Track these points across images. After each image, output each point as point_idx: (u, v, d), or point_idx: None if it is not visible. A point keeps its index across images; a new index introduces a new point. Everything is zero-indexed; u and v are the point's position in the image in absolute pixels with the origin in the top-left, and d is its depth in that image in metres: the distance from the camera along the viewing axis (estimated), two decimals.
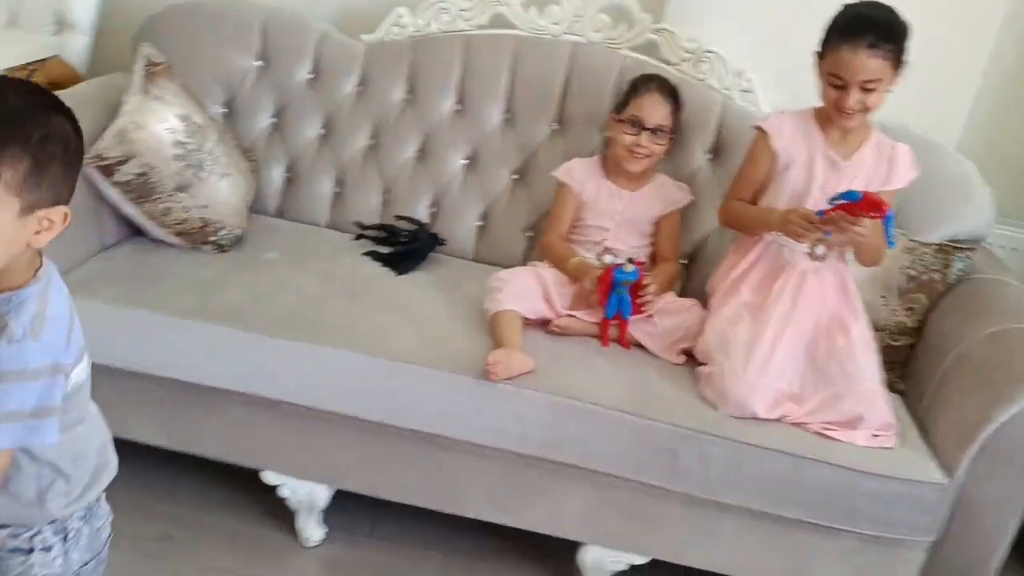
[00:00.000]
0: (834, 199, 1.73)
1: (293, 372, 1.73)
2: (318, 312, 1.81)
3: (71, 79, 2.19)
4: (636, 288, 1.87)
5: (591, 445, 1.70)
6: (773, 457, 1.67)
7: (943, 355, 1.84)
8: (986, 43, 2.23)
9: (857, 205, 1.69)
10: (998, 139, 2.45)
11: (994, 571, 1.75)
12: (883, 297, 1.97)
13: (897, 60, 1.73)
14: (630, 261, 1.89)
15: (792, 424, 1.73)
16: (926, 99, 2.19)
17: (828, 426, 1.73)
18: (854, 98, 1.74)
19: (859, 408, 1.73)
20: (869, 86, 1.73)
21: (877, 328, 1.93)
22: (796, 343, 1.80)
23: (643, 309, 1.89)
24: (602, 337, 1.89)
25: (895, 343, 1.96)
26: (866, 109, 1.76)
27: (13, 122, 0.93)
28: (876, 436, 1.73)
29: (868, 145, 1.86)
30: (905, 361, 1.96)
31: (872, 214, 1.68)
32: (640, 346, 1.91)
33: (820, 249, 1.83)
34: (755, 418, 1.72)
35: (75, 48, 2.31)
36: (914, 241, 2.00)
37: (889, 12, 1.74)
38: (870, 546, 1.73)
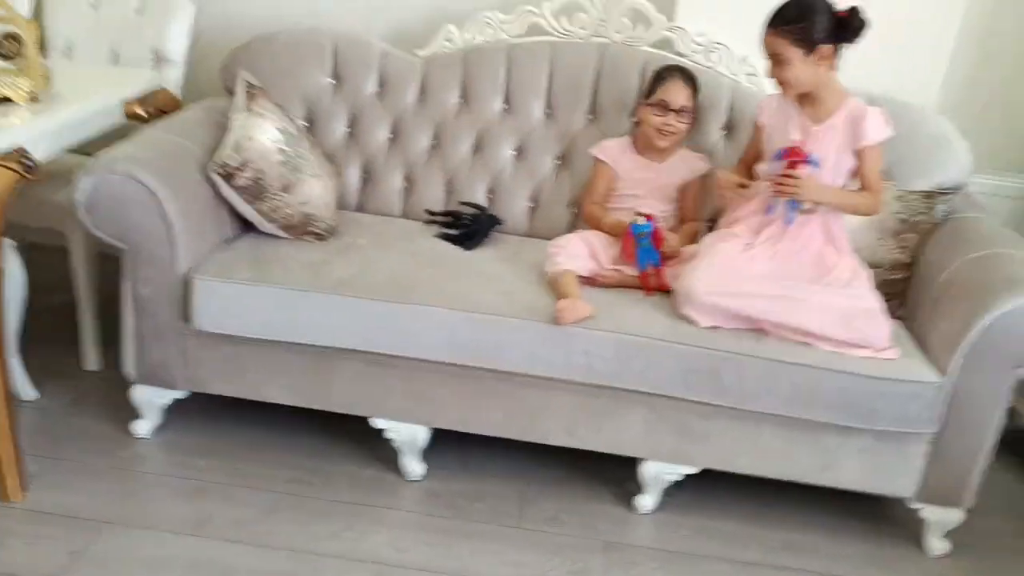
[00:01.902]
0: (772, 168, 2.13)
1: (396, 329, 2.10)
2: (411, 280, 2.17)
3: (177, 105, 2.57)
4: (658, 240, 2.23)
5: (646, 372, 2.07)
6: (800, 370, 2.02)
7: (933, 282, 2.19)
8: (957, 10, 2.58)
9: (785, 157, 2.10)
10: (972, 97, 2.81)
11: (985, 457, 2.10)
12: (880, 239, 2.33)
13: (799, 38, 2.03)
14: (639, 214, 2.24)
15: (804, 339, 2.08)
16: (905, 64, 2.58)
17: (841, 345, 2.07)
18: (769, 69, 2.12)
19: (866, 330, 2.07)
20: (778, 60, 2.08)
21: (877, 265, 2.29)
22: (770, 271, 2.12)
23: (668, 256, 2.25)
24: (645, 287, 2.25)
25: (893, 277, 2.32)
26: (785, 80, 2.10)
27: None
28: (881, 351, 2.08)
29: (840, 111, 2.15)
30: (903, 292, 2.32)
31: (794, 159, 2.08)
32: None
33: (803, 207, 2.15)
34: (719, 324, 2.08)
35: (172, 79, 2.69)
36: (903, 190, 2.37)
37: (797, 5, 2.04)
38: (883, 442, 2.09)
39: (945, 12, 2.57)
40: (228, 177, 2.21)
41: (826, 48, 2.06)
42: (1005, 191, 2.77)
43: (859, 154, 2.13)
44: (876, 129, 2.13)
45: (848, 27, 2.05)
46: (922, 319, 2.19)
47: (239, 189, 2.23)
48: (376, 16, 2.85)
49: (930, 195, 2.35)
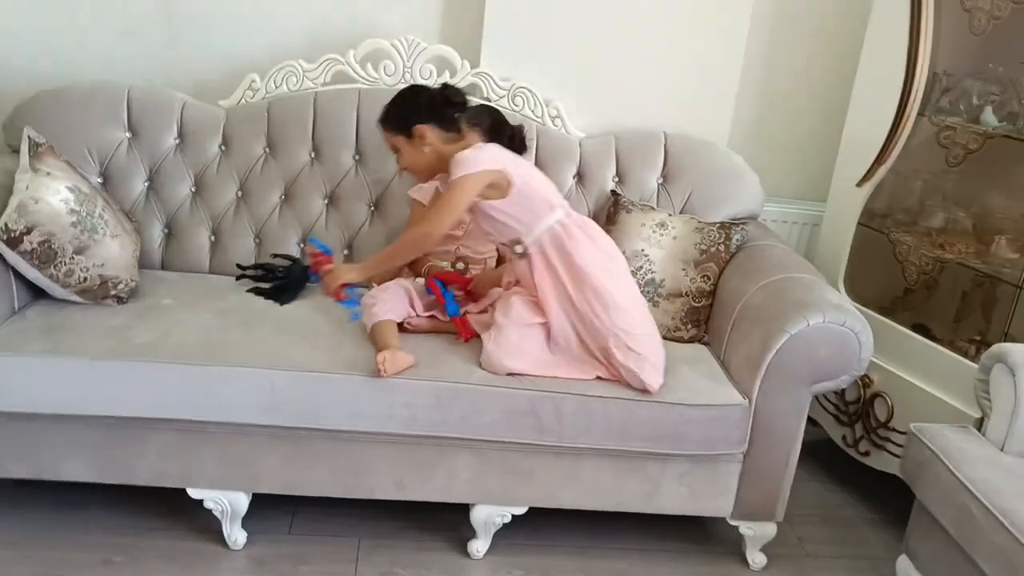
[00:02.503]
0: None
1: (208, 394, 2.00)
2: (221, 341, 2.08)
3: None
4: (459, 281, 2.30)
5: (468, 418, 2.06)
6: (613, 403, 2.08)
7: (732, 308, 2.31)
8: (737, 58, 2.77)
9: (314, 266, 2.24)
10: (760, 133, 3.02)
11: (792, 470, 2.22)
12: (683, 269, 2.45)
13: (395, 127, 2.20)
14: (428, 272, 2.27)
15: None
16: (699, 107, 2.74)
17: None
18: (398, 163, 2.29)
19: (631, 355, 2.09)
20: (395, 150, 2.24)
21: (682, 294, 2.40)
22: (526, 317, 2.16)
23: (477, 297, 2.31)
24: (464, 333, 2.26)
25: (697, 304, 2.43)
26: (406, 167, 2.25)
27: None
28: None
29: None
30: (707, 318, 2.44)
31: (316, 262, 2.21)
32: None
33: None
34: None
35: None
36: (701, 222, 2.50)
37: (391, 100, 2.23)
38: (699, 465, 2.17)
39: (728, 56, 2.75)
40: (12, 243, 2.06)
41: (423, 128, 2.17)
42: (793, 217, 2.98)
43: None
44: (455, 170, 2.10)
45: (439, 103, 2.19)
46: (725, 344, 2.30)
47: (26, 255, 2.08)
48: (174, 67, 2.74)
49: (726, 226, 2.49)
